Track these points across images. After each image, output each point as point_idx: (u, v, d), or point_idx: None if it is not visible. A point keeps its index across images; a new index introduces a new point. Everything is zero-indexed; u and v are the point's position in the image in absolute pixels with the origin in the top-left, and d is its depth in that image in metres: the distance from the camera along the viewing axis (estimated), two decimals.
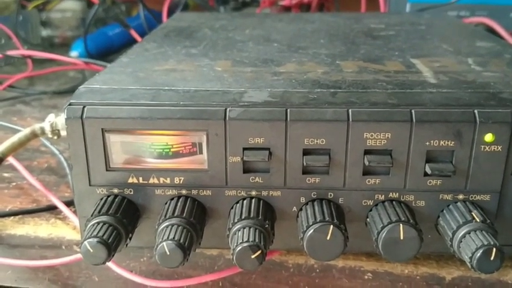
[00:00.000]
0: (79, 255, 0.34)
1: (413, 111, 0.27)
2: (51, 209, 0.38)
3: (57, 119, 0.36)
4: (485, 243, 0.25)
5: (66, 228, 0.37)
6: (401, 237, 0.26)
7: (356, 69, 0.34)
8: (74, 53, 0.82)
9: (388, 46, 0.41)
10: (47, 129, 0.36)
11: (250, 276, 0.34)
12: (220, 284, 0.35)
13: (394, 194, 0.28)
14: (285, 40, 0.44)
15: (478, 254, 0.25)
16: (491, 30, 0.63)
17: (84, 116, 0.28)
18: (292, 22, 0.53)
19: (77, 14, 0.93)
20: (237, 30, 0.49)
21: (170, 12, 0.88)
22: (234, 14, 0.65)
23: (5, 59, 0.76)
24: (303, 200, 0.29)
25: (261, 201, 0.29)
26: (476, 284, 0.32)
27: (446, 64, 0.35)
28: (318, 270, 0.33)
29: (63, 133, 0.36)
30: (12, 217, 0.38)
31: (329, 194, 0.29)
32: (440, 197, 0.28)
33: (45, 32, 0.94)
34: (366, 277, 0.33)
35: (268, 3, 0.78)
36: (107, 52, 0.85)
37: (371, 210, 0.29)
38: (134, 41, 0.75)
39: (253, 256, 0.26)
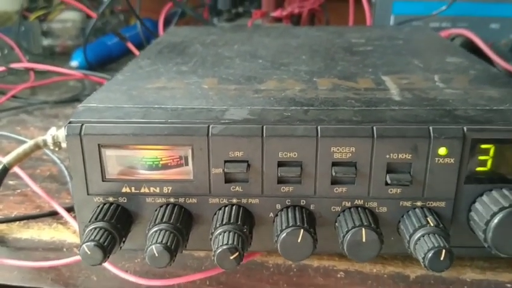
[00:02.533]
0: (78, 257, 0.37)
1: (374, 127, 0.30)
2: (53, 214, 0.41)
3: (58, 132, 0.39)
4: (436, 245, 0.29)
5: (67, 232, 0.40)
6: (363, 240, 0.30)
7: (330, 86, 0.37)
8: (74, 63, 0.85)
9: (364, 62, 0.44)
10: (49, 141, 0.39)
11: (234, 276, 0.38)
12: (207, 283, 0.38)
13: (359, 201, 0.32)
14: (269, 56, 0.47)
15: (430, 255, 0.28)
16: (470, 41, 0.66)
17: (82, 133, 0.31)
18: (279, 37, 0.57)
19: (77, 24, 0.96)
20: (226, 45, 0.52)
21: (167, 21, 0.91)
22: (225, 27, 0.68)
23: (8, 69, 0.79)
24: (278, 206, 0.32)
25: (241, 208, 0.32)
26: (437, 281, 0.35)
27: (414, 81, 0.38)
28: (295, 270, 0.37)
29: (64, 145, 0.39)
30: (17, 222, 0.41)
31: (302, 201, 0.32)
32: (400, 203, 0.32)
33: (46, 42, 0.97)
34: (338, 275, 0.36)
35: (260, 15, 0.81)
36: (106, 61, 0.89)
37: (339, 216, 0.32)
38: (132, 51, 0.78)
39: (231, 257, 0.29)
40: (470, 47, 0.66)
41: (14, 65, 0.69)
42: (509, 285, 0.35)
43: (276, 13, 0.81)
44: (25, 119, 0.65)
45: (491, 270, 0.35)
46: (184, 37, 0.57)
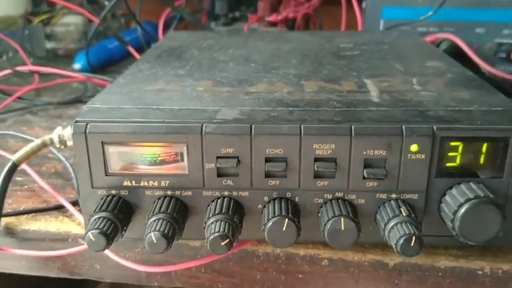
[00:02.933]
0: (83, 247, 0.40)
1: (352, 126, 0.33)
2: (59, 208, 0.44)
3: (64, 131, 0.42)
4: (407, 232, 0.32)
5: (72, 224, 0.42)
6: (342, 228, 0.33)
7: (316, 88, 0.40)
8: (76, 65, 0.88)
9: (350, 66, 0.47)
10: (56, 140, 0.42)
11: (227, 263, 0.41)
12: (202, 270, 0.41)
13: (339, 193, 0.35)
14: (262, 60, 0.50)
15: (401, 241, 0.32)
16: (456, 45, 0.69)
17: (87, 131, 0.34)
18: (273, 41, 0.60)
19: (79, 27, 0.99)
20: (221, 50, 0.55)
21: (167, 24, 0.95)
22: (222, 32, 0.72)
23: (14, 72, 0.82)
24: (266, 198, 0.35)
25: (232, 200, 0.35)
26: (414, 268, 0.38)
27: (393, 84, 0.41)
28: (283, 258, 0.40)
29: (69, 143, 0.42)
30: (25, 215, 0.43)
31: (287, 193, 0.35)
32: (377, 196, 0.35)
33: (49, 45, 1.00)
34: (323, 263, 0.39)
35: (256, 19, 0.84)
36: (107, 63, 0.91)
37: (321, 207, 0.35)
38: (132, 54, 0.81)
39: (222, 243, 0.32)
40: (456, 51, 0.70)
41: (19, 68, 0.72)
42: (480, 272, 0.38)
43: (272, 17, 0.84)
44: (30, 119, 0.68)
45: (464, 258, 0.38)
46: (182, 42, 0.60)
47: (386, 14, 0.73)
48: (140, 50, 0.93)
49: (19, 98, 0.73)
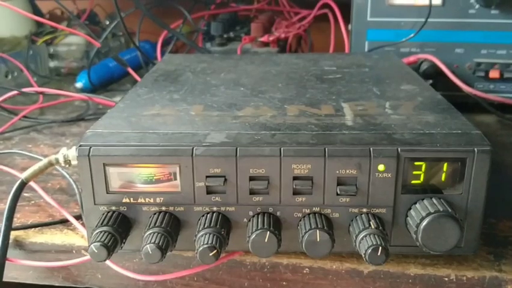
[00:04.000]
0: (85, 258, 0.44)
1: (326, 148, 0.37)
2: (64, 222, 0.48)
3: (68, 152, 0.46)
4: (374, 243, 0.36)
5: (76, 237, 0.46)
6: (318, 240, 0.37)
7: (297, 112, 0.45)
8: (79, 84, 0.92)
9: (330, 90, 0.52)
10: (61, 159, 0.46)
11: (217, 272, 0.44)
12: (195, 279, 0.45)
13: (316, 208, 0.39)
14: (250, 84, 0.55)
15: (369, 251, 0.35)
16: (436, 65, 0.74)
17: (90, 154, 0.38)
18: (262, 64, 0.64)
19: (81, 47, 1.04)
20: (214, 73, 0.60)
21: (167, 42, 0.99)
22: (215, 55, 0.76)
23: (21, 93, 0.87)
24: (251, 213, 0.39)
25: (220, 215, 0.39)
26: (386, 275, 0.42)
27: (367, 107, 0.46)
28: (268, 267, 0.44)
29: (73, 162, 0.45)
30: (33, 229, 0.46)
31: (270, 208, 0.39)
32: (349, 210, 0.39)
33: (53, 64, 1.05)
34: (304, 271, 0.43)
35: (249, 40, 0.88)
36: (108, 82, 0.96)
37: (300, 220, 0.39)
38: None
39: (210, 254, 0.36)
40: (436, 71, 0.74)
41: (26, 90, 0.76)
42: (446, 278, 0.42)
43: (264, 38, 0.88)
44: (35, 137, 0.72)
45: (431, 266, 0.42)
46: (177, 65, 0.64)
47: (370, 35, 0.77)
48: (139, 68, 0.98)
49: (25, 116, 0.77)
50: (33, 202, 0.53)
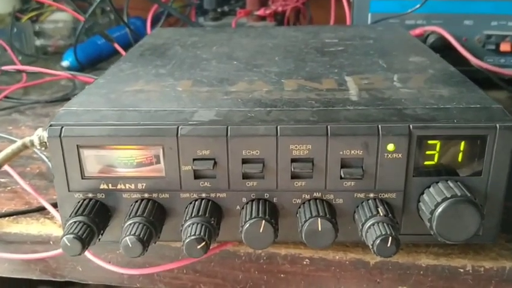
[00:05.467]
0: None
1: (328, 126, 0.33)
2: (41, 210, 0.44)
3: (44, 133, 0.42)
4: (383, 233, 0.31)
5: (53, 227, 0.42)
6: (319, 229, 0.33)
7: (295, 87, 0.40)
8: (65, 63, 0.88)
9: (332, 63, 0.47)
10: (36, 141, 0.42)
11: (209, 264, 0.41)
12: (184, 271, 0.41)
13: (317, 193, 0.35)
14: (244, 58, 0.50)
15: (377, 242, 0.31)
16: (444, 38, 0.69)
17: (62, 135, 0.34)
18: (257, 37, 0.59)
19: (68, 24, 0.99)
20: (205, 47, 0.55)
21: (157, 18, 0.94)
22: (209, 27, 0.71)
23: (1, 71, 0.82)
24: (244, 200, 0.35)
25: (210, 202, 0.35)
26: (395, 266, 0.38)
27: (373, 81, 0.41)
28: (265, 258, 0.40)
29: None
30: (7, 217, 0.43)
31: (265, 194, 0.35)
32: (355, 195, 0.35)
33: (38, 42, 1.00)
34: (304, 262, 0.39)
35: (244, 14, 0.84)
36: (96, 60, 0.91)
37: (299, 207, 0.35)
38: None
39: (198, 247, 0.32)
40: (444, 44, 0.69)
41: (5, 68, 0.72)
42: (461, 269, 0.38)
43: (260, 12, 0.83)
44: (17, 119, 0.68)
45: (445, 256, 0.38)
46: (166, 39, 0.59)
47: (373, 7, 0.72)
48: (128, 46, 0.92)
49: (6, 97, 0.72)
50: (9, 188, 0.49)
